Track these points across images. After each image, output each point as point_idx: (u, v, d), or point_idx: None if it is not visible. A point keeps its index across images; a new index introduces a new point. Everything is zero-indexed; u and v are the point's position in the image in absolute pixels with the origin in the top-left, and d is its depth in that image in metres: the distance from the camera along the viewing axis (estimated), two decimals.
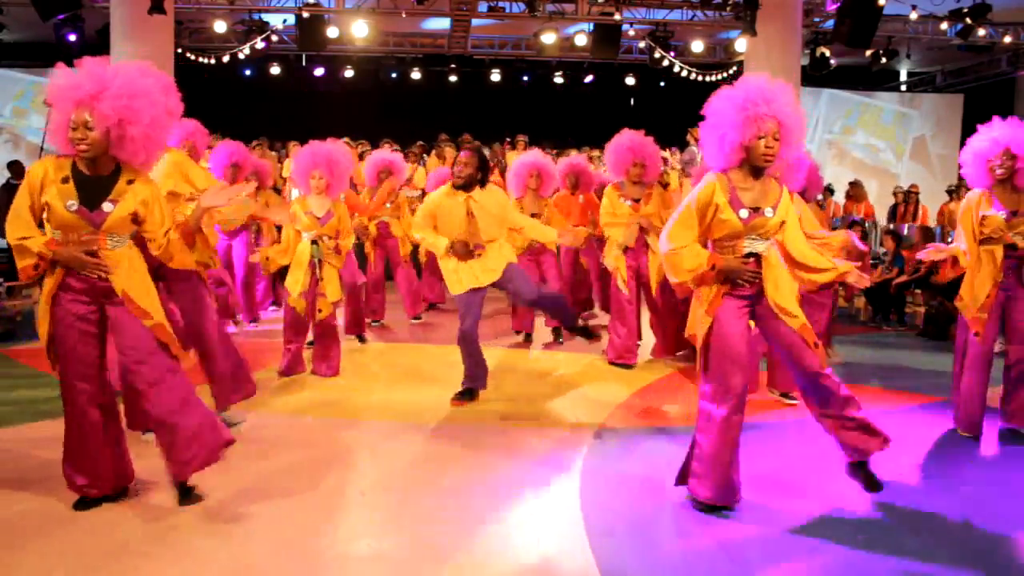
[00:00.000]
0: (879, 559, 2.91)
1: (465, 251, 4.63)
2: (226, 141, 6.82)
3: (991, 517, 3.29)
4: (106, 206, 3.04)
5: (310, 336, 5.59)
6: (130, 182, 3.09)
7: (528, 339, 6.83)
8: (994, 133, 4.22)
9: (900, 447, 4.12)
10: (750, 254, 3.22)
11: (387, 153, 7.96)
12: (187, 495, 3.25)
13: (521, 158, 6.65)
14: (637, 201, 5.78)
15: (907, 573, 2.82)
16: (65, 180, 3.00)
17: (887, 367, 6.20)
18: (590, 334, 4.99)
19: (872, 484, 3.30)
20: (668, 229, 3.26)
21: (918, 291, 8.37)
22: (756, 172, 3.21)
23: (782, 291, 3.24)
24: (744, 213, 3.18)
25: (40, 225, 3.05)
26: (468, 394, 4.85)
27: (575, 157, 7.60)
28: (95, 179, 3.05)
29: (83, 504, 3.16)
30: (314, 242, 5.27)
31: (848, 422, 3.25)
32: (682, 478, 3.39)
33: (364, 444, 4.12)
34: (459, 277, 4.71)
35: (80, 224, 3.01)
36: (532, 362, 6.16)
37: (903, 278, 8.30)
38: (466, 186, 4.67)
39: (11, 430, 4.21)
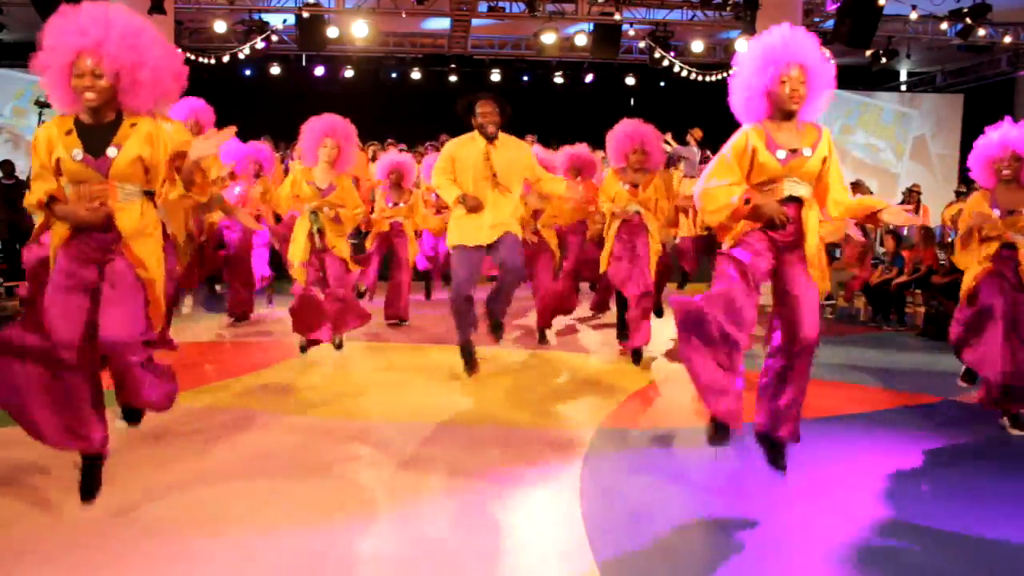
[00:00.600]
0: (880, 559, 2.91)
1: (475, 204, 4.59)
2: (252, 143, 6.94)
3: (993, 517, 3.29)
4: (110, 151, 2.96)
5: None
6: (133, 125, 3.03)
7: (543, 338, 6.74)
8: (1002, 135, 4.27)
9: (900, 447, 4.14)
10: (790, 198, 3.19)
11: (397, 155, 7.92)
12: (134, 418, 3.37)
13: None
14: (636, 187, 5.73)
15: (908, 573, 2.82)
16: (68, 132, 2.95)
17: (887, 367, 6.20)
18: (499, 331, 4.93)
19: (776, 460, 3.35)
20: (704, 174, 3.28)
21: (918, 291, 8.36)
22: (787, 116, 3.21)
23: (814, 242, 3.21)
24: (781, 154, 3.17)
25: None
26: (468, 352, 4.82)
27: (578, 147, 7.57)
28: (98, 127, 2.99)
29: None
30: (314, 212, 5.26)
31: (789, 401, 3.26)
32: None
33: (364, 444, 4.12)
34: (463, 231, 4.66)
35: (88, 173, 2.95)
36: (532, 362, 6.16)
37: (903, 278, 8.30)
38: (494, 135, 4.68)
39: (10, 430, 4.20)
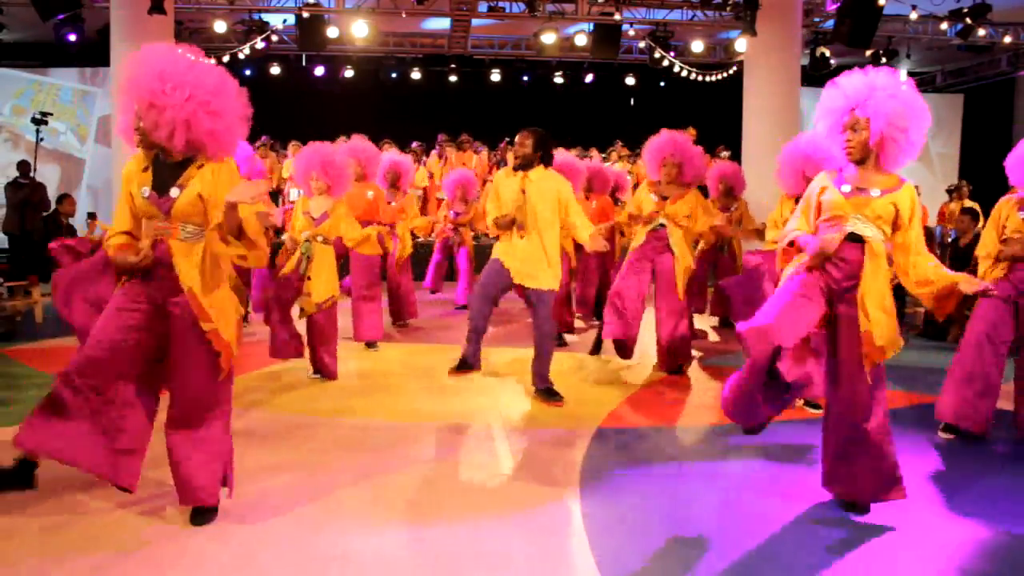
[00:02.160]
0: (881, 559, 2.91)
1: (507, 224, 4.71)
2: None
3: (994, 517, 3.29)
4: (173, 191, 2.99)
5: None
6: (200, 167, 3.04)
7: (561, 341, 6.69)
8: None
9: (900, 447, 4.13)
10: (853, 236, 3.12)
11: (396, 155, 7.92)
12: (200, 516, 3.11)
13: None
14: (664, 199, 5.52)
15: (909, 572, 2.82)
16: (145, 169, 3.03)
17: (887, 367, 6.17)
18: (554, 396, 4.84)
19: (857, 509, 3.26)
20: (789, 224, 3.35)
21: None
22: (859, 163, 3.18)
23: (875, 289, 3.12)
24: (846, 188, 3.15)
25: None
26: (466, 364, 4.82)
27: (593, 160, 7.55)
28: (170, 166, 3.03)
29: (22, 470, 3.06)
30: (307, 241, 5.23)
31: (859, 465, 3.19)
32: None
33: (364, 444, 4.12)
34: (504, 250, 4.76)
35: (153, 211, 3.00)
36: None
37: None
38: (524, 166, 4.75)
39: (11, 430, 4.20)
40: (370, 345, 6.40)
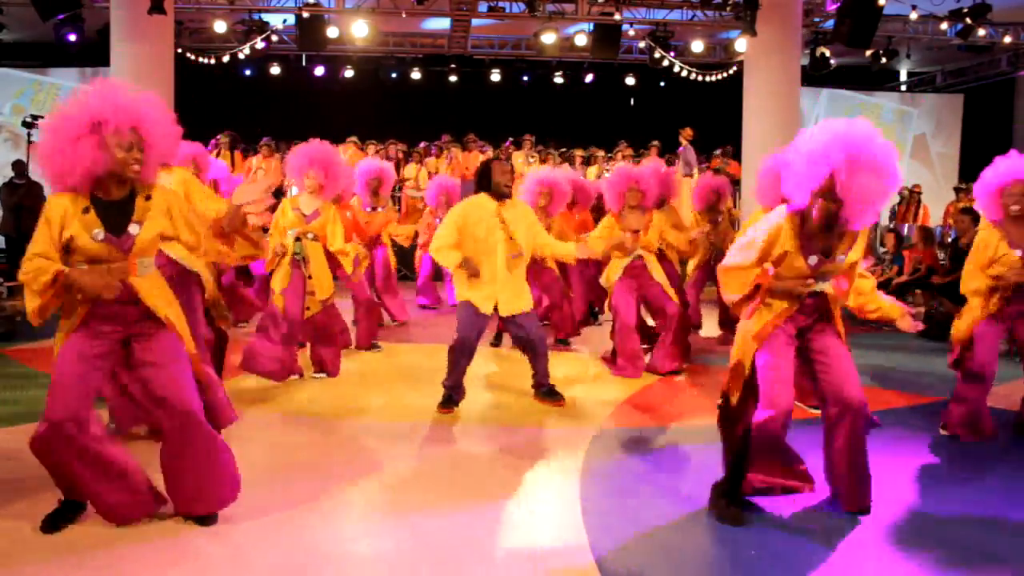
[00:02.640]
0: (882, 560, 2.91)
1: (474, 271, 4.55)
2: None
3: (995, 517, 3.29)
4: (132, 228, 2.90)
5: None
6: (147, 198, 2.97)
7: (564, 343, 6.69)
8: (1011, 166, 4.05)
9: (901, 447, 4.14)
10: (814, 294, 3.18)
11: (376, 162, 7.85)
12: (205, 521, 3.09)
13: (536, 174, 6.50)
14: (636, 232, 5.58)
15: (909, 571, 2.82)
16: (86, 210, 2.84)
17: (887, 367, 6.20)
18: (556, 396, 4.83)
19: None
20: (733, 247, 3.27)
21: (918, 291, 8.37)
22: (833, 218, 3.04)
23: (839, 323, 3.26)
24: (813, 260, 3.10)
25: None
26: (452, 401, 4.73)
27: (571, 173, 7.60)
28: (115, 204, 2.89)
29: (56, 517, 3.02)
30: (297, 239, 5.22)
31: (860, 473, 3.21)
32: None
33: (364, 444, 4.12)
34: (473, 291, 4.61)
35: (109, 253, 2.86)
36: None
37: (903, 278, 8.30)
38: (507, 195, 4.67)
39: (11, 430, 4.21)
40: (371, 347, 6.41)
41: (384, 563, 2.83)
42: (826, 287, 3.19)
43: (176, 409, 2.95)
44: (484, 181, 4.70)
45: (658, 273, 5.66)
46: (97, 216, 2.85)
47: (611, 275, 5.70)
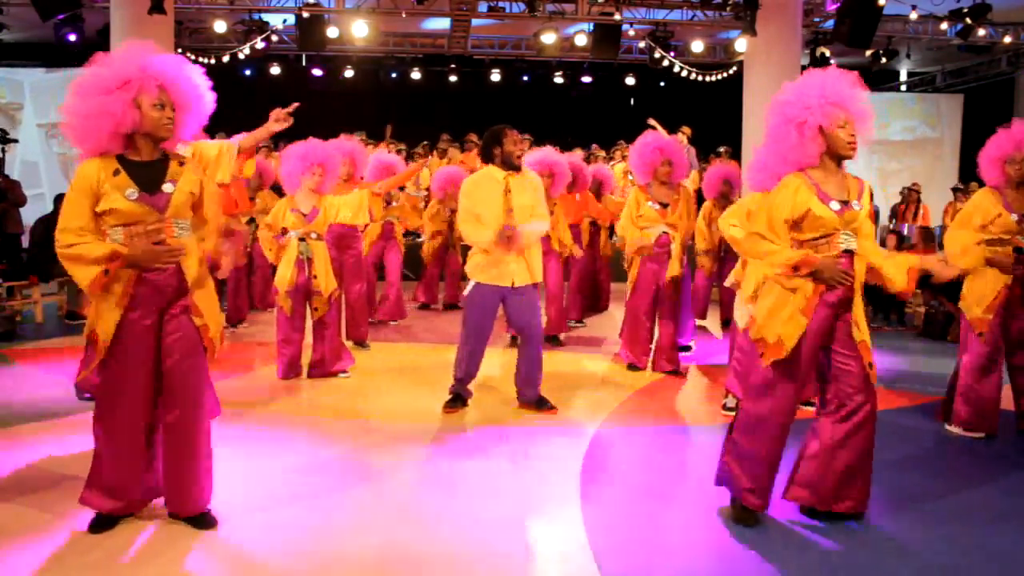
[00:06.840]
0: (883, 561, 2.91)
1: (509, 241, 4.33)
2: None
3: (995, 516, 3.29)
4: (166, 187, 2.86)
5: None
6: (181, 163, 2.96)
7: (556, 341, 6.66)
8: (1014, 133, 4.17)
9: (901, 447, 4.13)
10: (846, 251, 3.03)
11: (386, 155, 7.92)
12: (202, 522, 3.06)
13: (537, 156, 6.33)
14: (665, 206, 5.50)
15: (910, 570, 2.82)
16: (116, 172, 2.81)
17: (887, 367, 6.19)
18: (546, 405, 4.65)
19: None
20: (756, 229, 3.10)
21: (918, 291, 8.36)
22: (837, 164, 3.05)
23: (859, 301, 3.08)
24: (835, 206, 2.99)
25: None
26: (459, 399, 4.71)
27: (570, 156, 7.61)
28: (147, 165, 2.88)
29: (99, 524, 2.99)
30: (302, 239, 5.23)
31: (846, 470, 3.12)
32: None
33: (365, 444, 4.12)
34: (494, 271, 4.44)
35: (144, 212, 2.82)
36: None
37: None
38: (517, 168, 4.50)
39: (11, 430, 4.21)
40: (360, 345, 6.38)
41: (384, 562, 2.83)
42: (854, 244, 3.03)
43: (187, 403, 2.95)
44: (494, 149, 4.50)
45: (678, 254, 5.52)
46: (129, 177, 2.83)
47: (635, 249, 5.56)
